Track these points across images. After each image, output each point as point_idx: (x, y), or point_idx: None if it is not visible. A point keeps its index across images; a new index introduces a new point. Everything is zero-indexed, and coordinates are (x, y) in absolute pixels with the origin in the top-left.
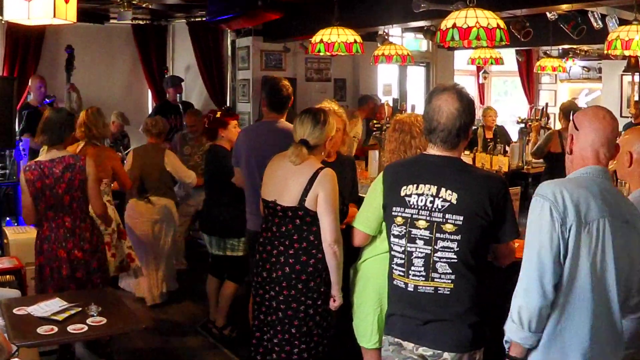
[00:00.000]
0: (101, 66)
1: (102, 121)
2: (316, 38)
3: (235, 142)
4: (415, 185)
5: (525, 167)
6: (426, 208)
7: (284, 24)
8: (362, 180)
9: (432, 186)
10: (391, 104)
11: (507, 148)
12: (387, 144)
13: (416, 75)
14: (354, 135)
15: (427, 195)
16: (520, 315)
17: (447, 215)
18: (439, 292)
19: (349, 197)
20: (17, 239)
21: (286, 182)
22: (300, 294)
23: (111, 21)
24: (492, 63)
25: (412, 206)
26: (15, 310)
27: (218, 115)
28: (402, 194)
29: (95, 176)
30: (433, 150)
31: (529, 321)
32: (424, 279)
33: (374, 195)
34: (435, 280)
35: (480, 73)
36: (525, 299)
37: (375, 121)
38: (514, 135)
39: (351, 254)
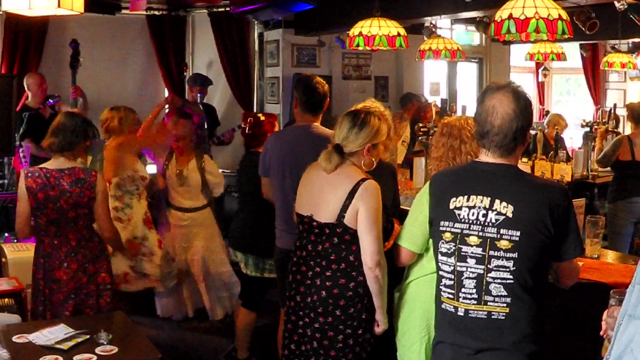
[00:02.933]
0: (111, 63)
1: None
2: (354, 31)
3: (264, 149)
4: (465, 197)
5: (590, 176)
6: (478, 222)
7: (318, 15)
8: (406, 191)
9: (484, 198)
10: (439, 105)
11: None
12: (433, 150)
13: (467, 73)
14: (403, 140)
15: (479, 207)
16: None
17: (502, 231)
18: (492, 317)
19: (390, 211)
20: (17, 258)
21: (323, 194)
22: (338, 321)
23: (123, 12)
24: (553, 59)
25: (462, 220)
26: (15, 338)
27: (262, 117)
28: (451, 206)
29: (106, 195)
30: (486, 157)
31: None
32: (475, 302)
33: (419, 207)
34: (488, 303)
35: (540, 70)
36: None
37: (421, 125)
38: (578, 141)
39: (395, 274)
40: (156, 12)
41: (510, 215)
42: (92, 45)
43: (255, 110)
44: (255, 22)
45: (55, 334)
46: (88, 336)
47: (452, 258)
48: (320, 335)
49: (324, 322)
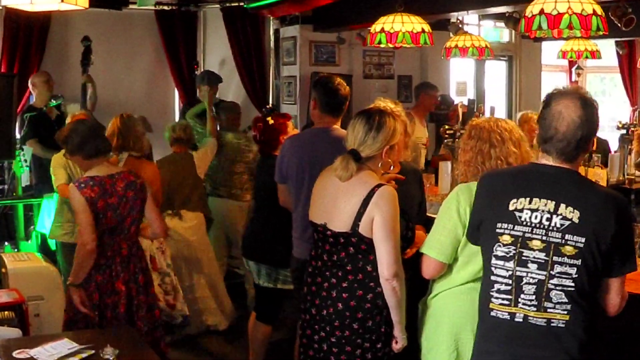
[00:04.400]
0: (118, 61)
1: (139, 129)
2: (376, 27)
3: (280, 154)
4: (528, 199)
5: (627, 181)
6: (542, 226)
7: (337, 10)
8: (431, 198)
9: (548, 201)
10: (466, 105)
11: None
12: (461, 154)
13: (496, 72)
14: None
15: (542, 211)
16: None
17: (566, 236)
18: (552, 324)
19: (415, 218)
20: (18, 268)
21: (337, 202)
22: (355, 335)
23: (130, 6)
24: (587, 57)
25: (524, 223)
26: (15, 354)
27: (271, 121)
28: (511, 207)
29: (154, 194)
30: (546, 160)
31: None
32: (535, 308)
33: (447, 214)
34: (548, 310)
35: (573, 69)
36: None
37: (447, 126)
38: (614, 144)
39: (419, 286)
40: (165, 7)
41: (576, 220)
42: (97, 43)
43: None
44: (271, 17)
45: (59, 349)
46: (93, 351)
47: (511, 262)
48: (337, 350)
49: (341, 336)
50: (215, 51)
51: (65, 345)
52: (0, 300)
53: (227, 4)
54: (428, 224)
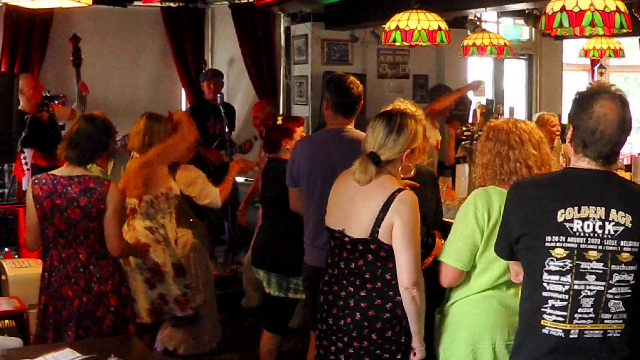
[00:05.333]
0: (122, 61)
1: (163, 130)
2: (391, 24)
3: (291, 156)
4: (576, 208)
5: None
6: (596, 235)
7: (351, 7)
8: (448, 202)
9: (598, 208)
10: (484, 105)
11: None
12: (479, 156)
13: (515, 71)
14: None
15: (593, 219)
16: None
17: (622, 242)
18: (608, 335)
19: (432, 223)
20: (18, 275)
21: (355, 206)
22: (374, 346)
23: (135, 3)
24: (610, 55)
25: (577, 234)
26: None
27: (279, 121)
28: (560, 219)
29: (118, 208)
30: (582, 163)
31: None
32: (592, 321)
33: (464, 220)
34: (605, 321)
35: (596, 68)
36: None
37: (464, 128)
38: (638, 146)
39: (435, 295)
40: (172, 4)
41: (629, 225)
42: (100, 41)
43: (280, 112)
44: (282, 14)
45: (61, 359)
46: None
47: (568, 276)
48: None
49: (359, 347)
50: (224, 50)
51: (68, 355)
52: (0, 308)
53: (236, 1)
54: (444, 229)
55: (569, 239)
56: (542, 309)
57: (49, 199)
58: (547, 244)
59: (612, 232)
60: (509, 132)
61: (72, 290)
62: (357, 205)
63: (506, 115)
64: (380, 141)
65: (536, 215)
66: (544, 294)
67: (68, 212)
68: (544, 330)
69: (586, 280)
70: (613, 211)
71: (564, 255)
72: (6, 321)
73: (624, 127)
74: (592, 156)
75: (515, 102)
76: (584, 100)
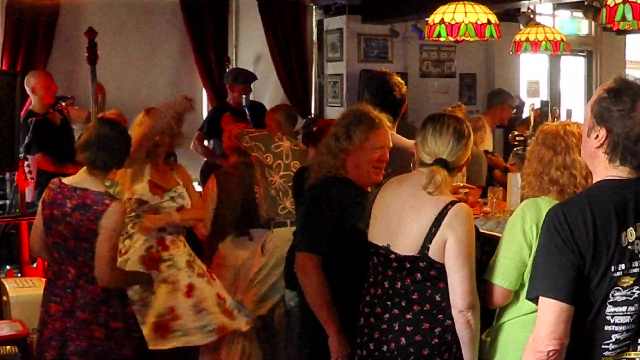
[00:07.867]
0: (137, 57)
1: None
2: (435, 17)
3: None
4: (632, 228)
5: None
6: None
7: None
8: (497, 214)
9: None
10: (538, 107)
11: None
12: (526, 164)
13: (573, 69)
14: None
15: None
16: None
17: None
18: None
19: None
20: (21, 296)
21: (403, 221)
22: None
23: None
24: None
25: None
26: None
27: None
28: (624, 243)
29: (112, 232)
30: (617, 172)
31: None
32: None
33: (511, 235)
34: None
35: None
36: None
37: (516, 132)
38: None
39: (484, 315)
40: None
41: None
42: (113, 36)
43: (312, 114)
44: (314, 6)
45: None
46: None
47: (635, 305)
48: None
49: None
50: (249, 46)
51: None
52: (2, 333)
53: None
54: (492, 243)
55: (633, 264)
56: (604, 345)
57: (50, 208)
58: (615, 273)
59: None
60: (556, 136)
61: (57, 309)
62: (405, 219)
63: (563, 118)
64: (451, 148)
65: (594, 241)
66: (608, 328)
67: (61, 226)
68: None
69: None
70: None
71: (631, 283)
72: (8, 347)
73: None
74: (628, 162)
75: (574, 104)
76: (622, 97)
